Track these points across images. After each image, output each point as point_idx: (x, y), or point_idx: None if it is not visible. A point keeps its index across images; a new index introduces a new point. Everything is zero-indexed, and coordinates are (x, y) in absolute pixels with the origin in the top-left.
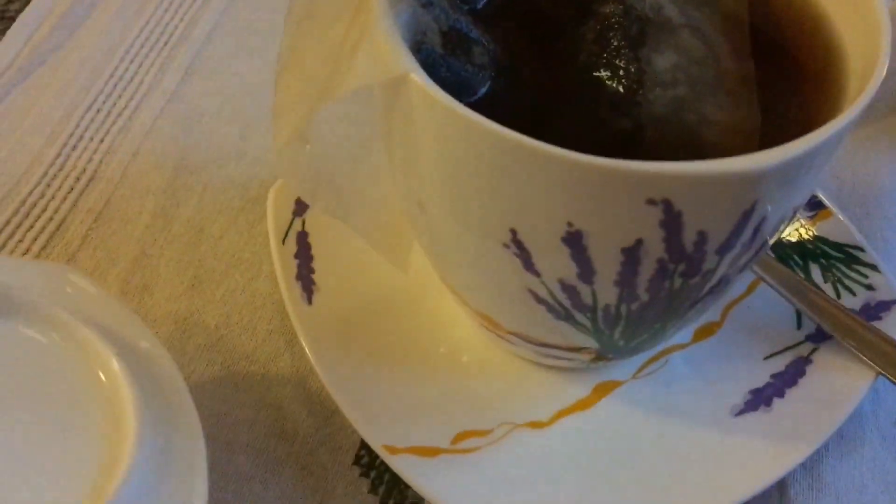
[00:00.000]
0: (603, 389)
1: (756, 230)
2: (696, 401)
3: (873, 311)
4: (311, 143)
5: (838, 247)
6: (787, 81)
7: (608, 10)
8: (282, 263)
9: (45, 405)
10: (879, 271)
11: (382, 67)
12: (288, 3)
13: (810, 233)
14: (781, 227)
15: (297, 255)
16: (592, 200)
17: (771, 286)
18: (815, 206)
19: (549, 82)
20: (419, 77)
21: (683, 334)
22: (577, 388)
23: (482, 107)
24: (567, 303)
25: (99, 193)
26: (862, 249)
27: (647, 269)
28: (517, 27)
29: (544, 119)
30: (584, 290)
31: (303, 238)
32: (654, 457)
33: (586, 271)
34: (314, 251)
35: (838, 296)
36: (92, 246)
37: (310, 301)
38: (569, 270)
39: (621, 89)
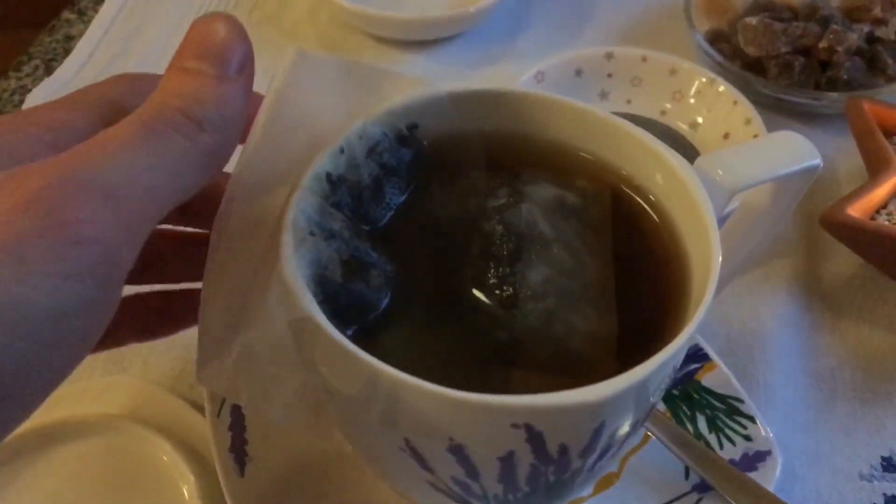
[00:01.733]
0: None
1: (611, 436)
2: None
3: (750, 461)
4: (233, 358)
5: (721, 398)
6: (642, 288)
7: (489, 227)
8: (216, 436)
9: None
10: (756, 423)
11: (289, 308)
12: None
13: (697, 385)
14: (639, 424)
15: (231, 427)
16: (468, 423)
17: (660, 440)
18: (701, 359)
19: (439, 296)
20: (318, 318)
21: (586, 487)
22: None
23: (381, 322)
24: (462, 494)
25: None
26: (742, 401)
27: (523, 471)
28: (414, 243)
29: (436, 330)
30: (474, 485)
31: (237, 409)
32: None
33: (472, 472)
34: (247, 421)
35: (721, 446)
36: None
37: (242, 473)
38: (457, 471)
39: (499, 303)
